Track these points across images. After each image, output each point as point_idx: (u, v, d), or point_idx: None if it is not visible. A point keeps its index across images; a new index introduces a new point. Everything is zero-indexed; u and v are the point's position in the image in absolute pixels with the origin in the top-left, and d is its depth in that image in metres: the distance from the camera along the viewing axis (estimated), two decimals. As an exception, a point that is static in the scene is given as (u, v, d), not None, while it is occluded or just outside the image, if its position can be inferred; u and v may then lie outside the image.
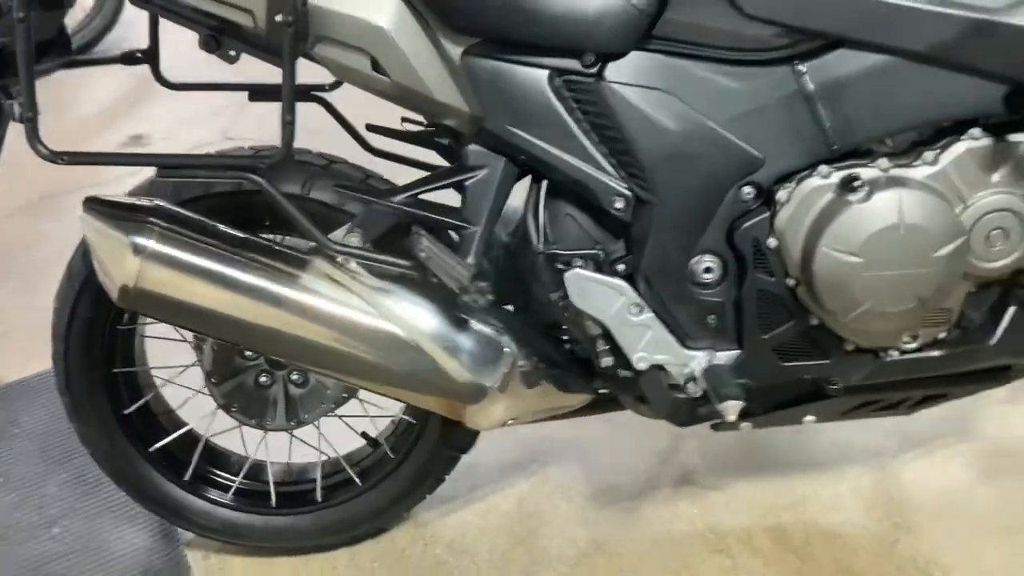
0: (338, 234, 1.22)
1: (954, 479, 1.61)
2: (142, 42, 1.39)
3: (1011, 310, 1.25)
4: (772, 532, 1.54)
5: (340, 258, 1.21)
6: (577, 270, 1.24)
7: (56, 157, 1.10)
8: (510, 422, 1.30)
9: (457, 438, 1.44)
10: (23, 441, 1.81)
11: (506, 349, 1.25)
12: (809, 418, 1.38)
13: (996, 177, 1.17)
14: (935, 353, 1.28)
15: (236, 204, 1.28)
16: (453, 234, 1.23)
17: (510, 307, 1.33)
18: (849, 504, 1.58)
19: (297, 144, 1.15)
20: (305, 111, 1.28)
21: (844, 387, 1.29)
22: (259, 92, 1.44)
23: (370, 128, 1.45)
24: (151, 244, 1.16)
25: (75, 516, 1.65)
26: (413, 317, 1.21)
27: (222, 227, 1.21)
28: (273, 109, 1.13)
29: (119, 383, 1.42)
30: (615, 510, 1.60)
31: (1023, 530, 1.51)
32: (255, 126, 2.63)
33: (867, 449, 1.69)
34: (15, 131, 1.17)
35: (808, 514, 1.57)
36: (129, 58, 1.41)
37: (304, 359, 1.25)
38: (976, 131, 1.16)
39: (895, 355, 1.28)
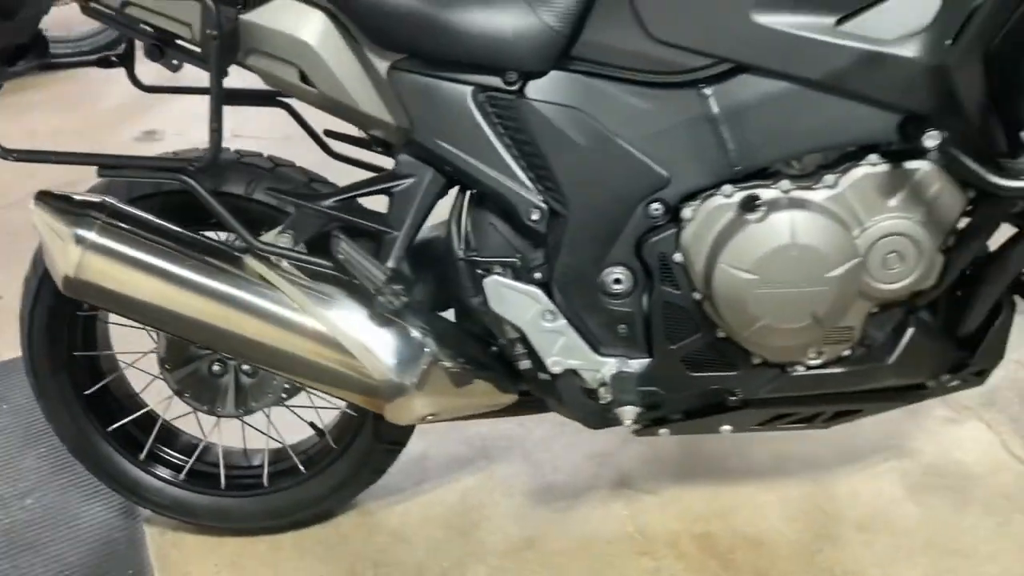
0: (271, 234, 1.30)
1: (884, 494, 1.64)
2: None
3: (910, 331, 1.29)
4: (699, 538, 1.59)
5: (274, 257, 1.29)
6: (495, 277, 1.31)
7: (7, 154, 1.20)
8: (429, 418, 1.37)
9: (389, 432, 1.52)
10: (8, 417, 1.93)
11: (426, 349, 1.32)
12: (726, 428, 1.43)
13: (893, 202, 1.21)
14: (839, 370, 1.33)
15: (185, 203, 1.37)
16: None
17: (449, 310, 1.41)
18: (777, 513, 1.63)
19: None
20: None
21: (746, 399, 1.34)
22: (229, 96, 1.53)
23: (328, 133, 1.54)
24: (92, 236, 1.25)
25: (48, 488, 1.77)
26: (335, 315, 1.28)
27: (164, 223, 1.30)
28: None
29: (80, 366, 1.52)
30: (551, 508, 1.67)
31: (945, 548, 1.54)
32: (267, 125, 2.72)
33: (804, 460, 1.72)
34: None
35: (737, 521, 1.62)
36: (104, 61, 1.51)
37: (232, 350, 1.34)
38: (874, 157, 1.20)
39: (801, 370, 1.33)
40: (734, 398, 1.34)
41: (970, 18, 1.07)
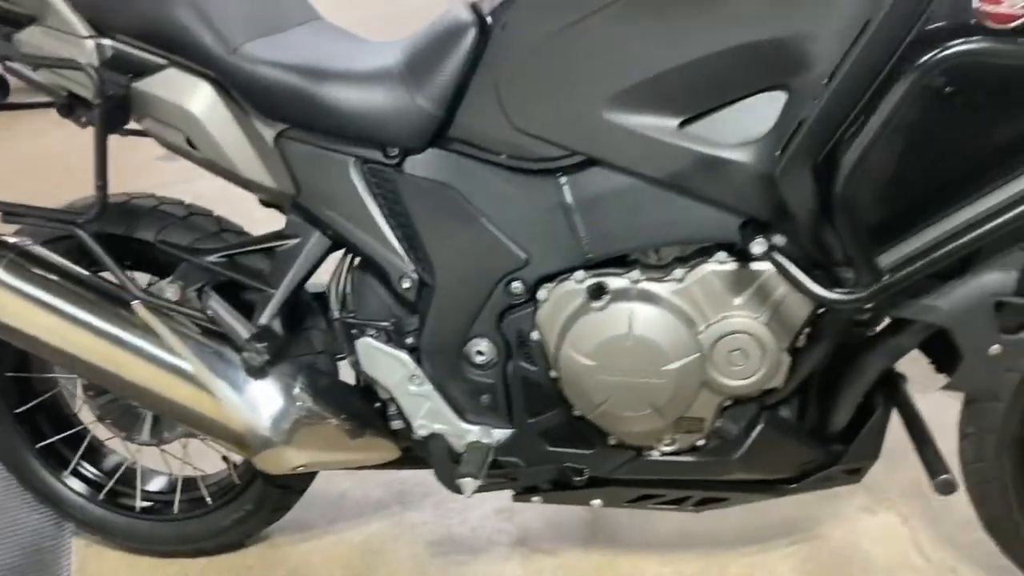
0: (163, 283, 1.40)
1: (775, 578, 1.64)
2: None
3: (759, 428, 1.30)
4: (585, 604, 1.61)
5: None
6: (367, 339, 1.37)
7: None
8: (300, 469, 1.43)
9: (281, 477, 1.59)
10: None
11: (298, 404, 1.39)
12: (596, 502, 1.46)
13: (738, 301, 1.22)
14: (691, 459, 1.34)
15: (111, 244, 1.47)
16: None
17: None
18: (667, 589, 1.64)
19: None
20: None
21: (605, 477, 1.37)
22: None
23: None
24: (-1, 272, 1.37)
25: (-5, 496, 1.90)
26: (208, 366, 1.36)
27: (69, 266, 1.41)
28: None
29: (12, 387, 1.64)
30: (448, 560, 1.71)
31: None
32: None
33: (708, 537, 1.72)
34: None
35: (625, 592, 1.63)
36: (62, 106, 1.63)
37: (115, 390, 1.43)
38: (722, 255, 1.22)
39: (655, 455, 1.35)
40: (579, 477, 1.37)
41: (797, 131, 1.09)
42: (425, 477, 1.86)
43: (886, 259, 1.11)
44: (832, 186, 1.08)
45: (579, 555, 1.70)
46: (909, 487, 1.77)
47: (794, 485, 1.38)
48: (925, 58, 0.99)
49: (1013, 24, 0.99)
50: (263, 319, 1.35)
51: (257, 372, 1.37)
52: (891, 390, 1.36)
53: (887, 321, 1.25)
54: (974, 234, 1.08)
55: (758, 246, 1.14)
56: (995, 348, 1.19)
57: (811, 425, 1.35)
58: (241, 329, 1.32)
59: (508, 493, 1.75)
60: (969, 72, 1.01)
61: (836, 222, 1.10)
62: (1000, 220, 1.07)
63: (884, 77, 1.02)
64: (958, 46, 0.99)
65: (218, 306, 1.32)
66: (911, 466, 1.45)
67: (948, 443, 1.37)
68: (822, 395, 1.33)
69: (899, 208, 1.10)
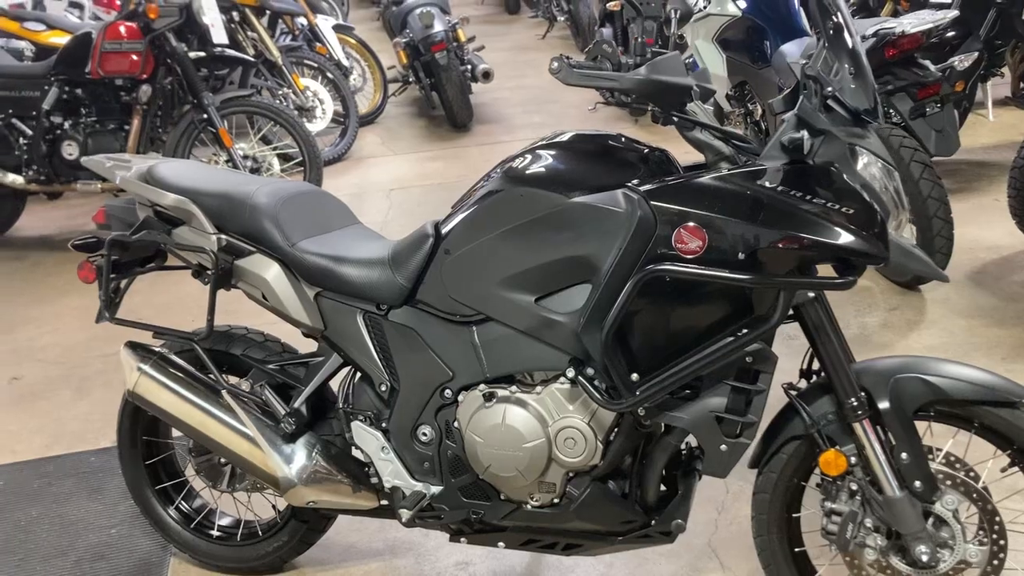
0: (241, 381, 2.28)
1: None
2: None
3: (586, 492, 2.03)
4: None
5: (238, 394, 2.26)
6: (357, 422, 2.20)
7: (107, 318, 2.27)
8: (311, 504, 2.24)
9: (305, 517, 2.41)
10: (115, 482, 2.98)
11: (314, 461, 2.21)
12: (501, 544, 2.20)
13: (572, 407, 2.00)
14: (549, 511, 2.08)
15: (214, 357, 2.37)
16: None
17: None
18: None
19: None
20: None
21: (494, 524, 2.12)
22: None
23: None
24: (146, 367, 2.28)
25: (126, 524, 2.76)
26: (262, 432, 2.22)
27: (186, 366, 2.31)
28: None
29: (145, 445, 2.53)
30: (416, 592, 2.46)
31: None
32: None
33: (600, 591, 2.41)
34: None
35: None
36: (195, 272, 2.58)
37: (208, 446, 2.30)
38: (563, 378, 2.00)
39: (528, 507, 2.10)
40: (477, 517, 2.12)
41: (588, 306, 1.89)
42: (410, 535, 2.64)
43: (639, 384, 1.88)
44: (606, 339, 1.87)
45: (506, 595, 2.43)
46: (754, 570, 2.41)
47: (621, 538, 2.10)
48: (646, 268, 1.80)
49: (693, 256, 1.79)
50: (295, 404, 2.21)
51: (289, 439, 2.22)
52: (689, 473, 2.08)
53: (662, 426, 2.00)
54: (687, 372, 1.85)
55: (570, 372, 1.94)
56: (723, 447, 1.92)
57: (634, 496, 2.08)
58: (280, 409, 2.19)
59: (470, 551, 2.50)
60: (672, 279, 1.81)
61: (606, 359, 1.88)
62: (701, 364, 1.83)
63: (629, 280, 1.83)
64: (664, 264, 1.79)
65: (268, 394, 2.20)
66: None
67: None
68: (639, 477, 2.07)
69: (645, 353, 1.88)
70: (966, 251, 3.98)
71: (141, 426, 2.51)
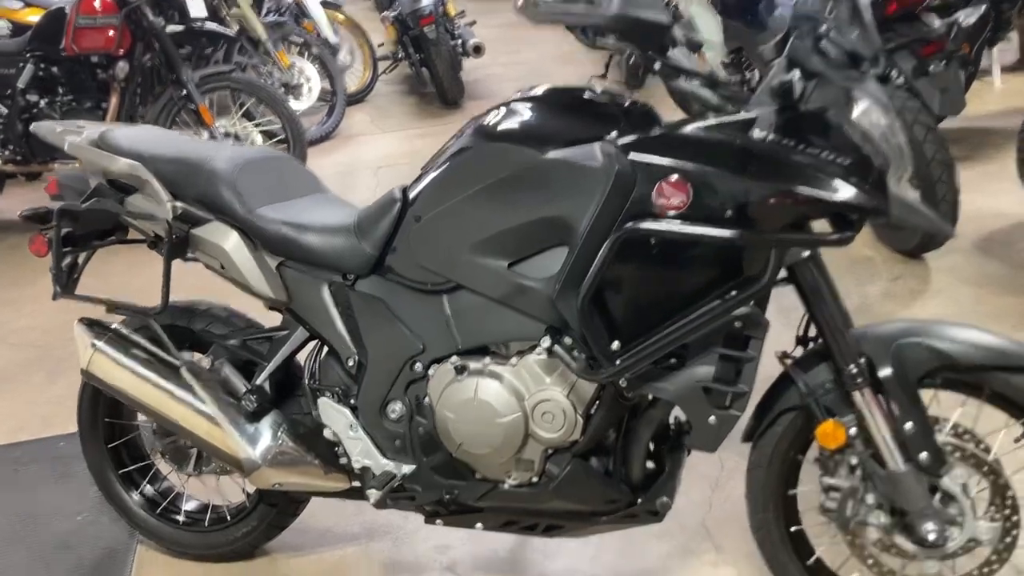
0: (200, 357, 2.15)
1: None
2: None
3: (567, 469, 1.90)
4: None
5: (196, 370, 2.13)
6: (325, 398, 2.07)
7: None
8: (277, 486, 2.11)
9: (282, 504, 2.28)
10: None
11: (279, 441, 2.08)
12: (479, 525, 2.07)
13: (549, 380, 1.86)
14: (527, 490, 1.95)
15: (171, 332, 2.24)
16: None
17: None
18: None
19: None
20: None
21: (471, 506, 1.99)
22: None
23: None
24: (101, 344, 2.15)
25: (93, 511, 2.64)
26: (224, 412, 2.08)
27: (144, 342, 2.17)
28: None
29: (107, 427, 2.41)
30: (392, 578, 2.34)
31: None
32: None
33: (589, 574, 2.28)
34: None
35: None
36: (151, 243, 2.44)
37: (167, 426, 2.16)
38: (539, 348, 1.87)
39: (506, 486, 1.97)
40: (448, 497, 1.99)
41: (564, 270, 1.75)
42: (390, 518, 2.51)
43: (620, 353, 1.74)
44: (583, 305, 1.73)
45: (489, 581, 2.30)
46: (752, 552, 2.27)
47: (605, 518, 1.96)
48: (625, 227, 1.66)
49: (676, 212, 1.65)
50: (257, 381, 2.08)
51: (253, 418, 2.08)
52: (677, 448, 1.95)
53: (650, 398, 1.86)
54: (672, 339, 1.71)
55: (545, 342, 1.80)
56: (712, 419, 1.79)
57: (619, 473, 1.94)
58: (241, 386, 2.05)
59: (450, 534, 2.37)
60: (654, 238, 1.67)
61: (583, 327, 1.74)
62: (687, 330, 1.70)
63: (607, 241, 1.69)
64: (644, 222, 1.65)
65: (227, 371, 2.06)
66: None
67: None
68: (624, 453, 1.94)
69: (625, 320, 1.74)
70: (972, 219, 3.82)
71: (103, 407, 2.38)
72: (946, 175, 3.28)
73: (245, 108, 4.99)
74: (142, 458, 2.47)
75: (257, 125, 4.93)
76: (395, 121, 6.54)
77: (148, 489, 2.45)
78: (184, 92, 4.59)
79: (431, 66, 6.31)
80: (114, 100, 4.65)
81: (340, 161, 5.71)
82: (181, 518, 2.43)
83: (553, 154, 1.74)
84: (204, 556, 2.42)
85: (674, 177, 1.64)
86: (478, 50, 6.37)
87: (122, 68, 4.60)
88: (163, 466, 2.44)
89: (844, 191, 1.62)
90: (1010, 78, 5.70)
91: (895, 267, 3.62)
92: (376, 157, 5.76)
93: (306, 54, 6.10)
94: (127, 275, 3.49)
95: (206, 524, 2.40)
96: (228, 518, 2.37)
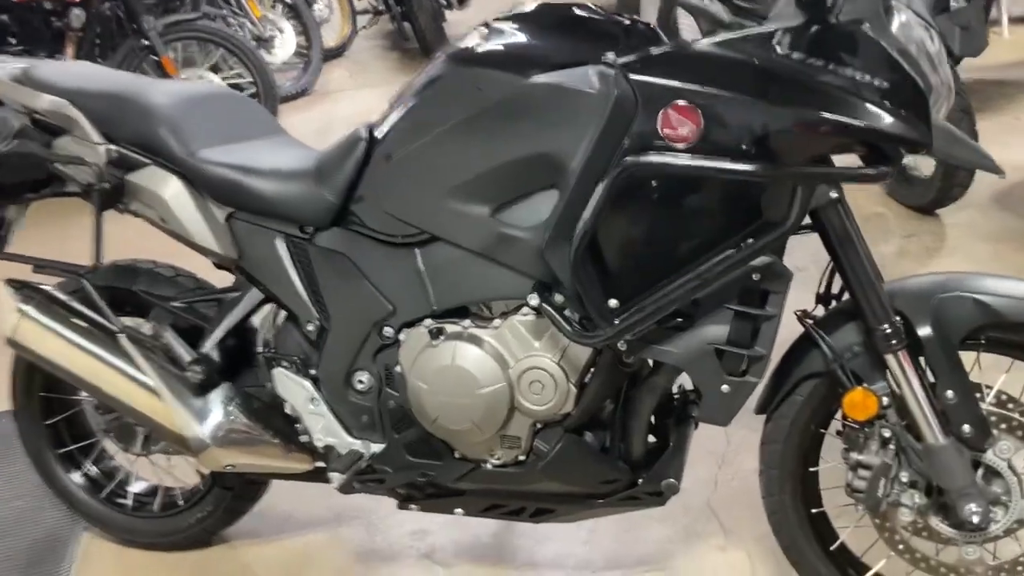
0: (141, 322, 1.89)
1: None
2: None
3: (559, 446, 1.66)
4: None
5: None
6: (281, 368, 1.81)
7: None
8: (229, 468, 1.87)
9: (239, 488, 2.03)
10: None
11: (231, 418, 1.83)
12: (458, 510, 1.83)
13: (538, 344, 1.62)
14: (512, 470, 1.71)
15: (112, 295, 1.98)
16: None
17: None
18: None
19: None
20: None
21: (451, 488, 1.75)
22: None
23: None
24: (28, 308, 1.88)
25: (33, 496, 2.39)
26: (167, 384, 1.83)
27: (79, 307, 1.91)
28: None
29: (43, 403, 2.15)
30: (364, 567, 2.09)
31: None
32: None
33: (581, 560, 2.05)
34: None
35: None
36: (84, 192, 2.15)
37: (104, 401, 1.91)
38: (526, 308, 1.62)
39: (488, 466, 1.73)
40: (422, 480, 1.75)
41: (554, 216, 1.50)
42: (361, 501, 2.26)
43: (619, 311, 1.50)
44: (576, 255, 1.48)
45: (469, 568, 2.06)
46: (763, 534, 2.05)
47: (601, 501, 1.73)
48: (624, 162, 1.40)
49: (684, 144, 1.39)
50: (203, 349, 1.82)
51: (200, 391, 1.83)
52: (683, 421, 1.71)
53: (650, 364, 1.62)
54: (679, 295, 1.46)
55: (533, 299, 1.55)
56: (725, 387, 1.55)
57: (617, 450, 1.71)
58: (185, 355, 1.80)
59: (427, 518, 2.14)
60: (658, 176, 1.42)
61: (576, 282, 1.49)
62: (696, 284, 1.45)
63: (604, 179, 1.43)
64: (648, 156, 1.40)
65: (170, 337, 1.80)
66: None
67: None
68: (623, 427, 1.70)
69: (625, 273, 1.49)
70: (988, 174, 3.58)
71: (39, 380, 2.13)
72: (965, 123, 3.03)
73: (213, 60, 4.69)
74: (86, 436, 2.22)
75: (225, 78, 4.63)
76: (375, 76, 6.24)
77: (92, 470, 2.20)
78: (146, 42, 4.29)
79: (413, 19, 6.00)
80: (70, 51, 4.35)
81: (316, 118, 5.41)
82: (129, 502, 2.18)
83: (540, 79, 1.48)
84: (156, 544, 2.18)
85: (682, 102, 1.39)
86: (462, 0, 6.06)
87: (77, 16, 4.30)
88: (110, 446, 2.19)
89: (882, 118, 1.37)
90: (1018, 29, 5.46)
91: (908, 224, 3.38)
92: (354, 114, 5.46)
93: (280, 6, 5.78)
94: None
95: (156, 509, 2.16)
96: (181, 503, 2.13)
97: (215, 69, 4.73)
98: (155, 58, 4.32)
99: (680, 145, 1.40)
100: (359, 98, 5.79)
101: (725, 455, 2.31)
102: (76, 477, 2.19)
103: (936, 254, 3.17)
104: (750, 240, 1.46)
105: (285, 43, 5.64)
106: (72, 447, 2.19)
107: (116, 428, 2.09)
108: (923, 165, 3.28)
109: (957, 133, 1.55)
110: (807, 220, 1.52)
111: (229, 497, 2.07)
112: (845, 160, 1.49)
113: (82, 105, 1.81)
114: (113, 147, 1.81)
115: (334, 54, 6.48)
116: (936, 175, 3.20)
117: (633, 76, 1.41)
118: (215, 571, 2.12)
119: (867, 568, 1.78)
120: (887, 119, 1.37)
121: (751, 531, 2.07)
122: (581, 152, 1.46)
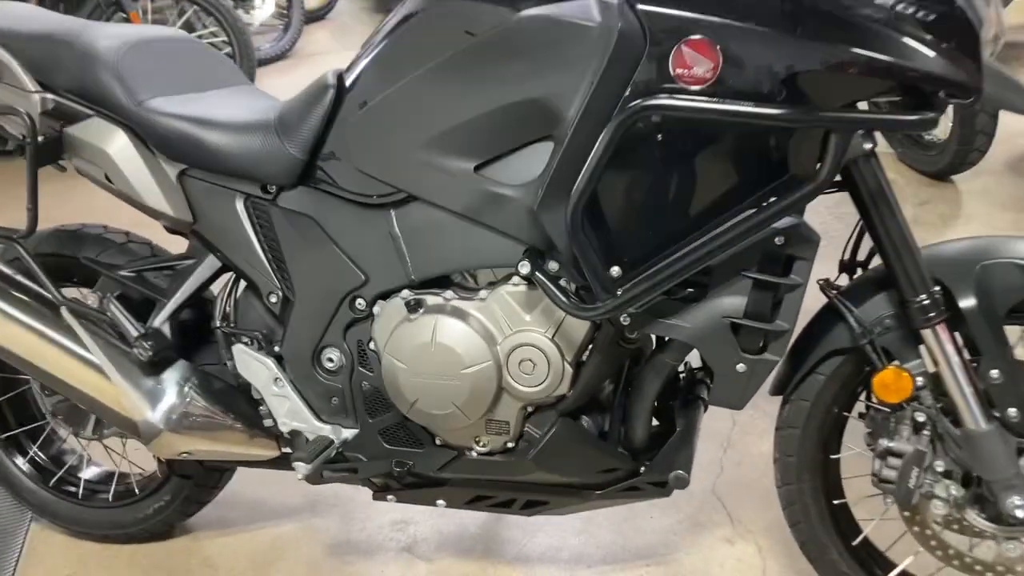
0: (86, 293, 1.69)
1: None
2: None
3: (552, 431, 1.48)
4: (449, 604, 1.79)
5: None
6: (241, 345, 1.62)
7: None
8: (185, 455, 1.68)
9: (199, 476, 1.85)
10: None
11: (187, 400, 1.64)
12: (440, 502, 1.65)
13: (528, 318, 1.43)
14: (500, 459, 1.53)
15: (56, 264, 1.77)
16: None
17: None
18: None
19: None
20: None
21: (432, 478, 1.57)
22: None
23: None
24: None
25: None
26: (114, 362, 1.63)
27: (15, 277, 1.71)
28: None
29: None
30: (339, 561, 1.91)
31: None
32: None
33: (574, 554, 1.88)
34: None
35: (485, 597, 1.80)
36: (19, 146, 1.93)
37: (43, 381, 1.71)
38: (516, 279, 1.43)
39: (473, 455, 1.54)
40: (399, 471, 1.57)
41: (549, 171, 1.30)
42: (337, 489, 2.08)
43: (621, 280, 1.31)
44: (573, 216, 1.28)
45: (453, 563, 1.88)
46: (773, 523, 1.89)
47: (599, 492, 1.55)
48: (630, 107, 1.21)
49: (700, 86, 1.20)
50: (154, 323, 1.62)
51: (152, 370, 1.64)
52: (691, 404, 1.53)
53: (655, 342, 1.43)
54: (691, 261, 1.27)
55: (524, 267, 1.36)
56: (741, 366, 1.36)
57: (617, 436, 1.53)
58: (132, 330, 1.60)
59: (408, 507, 1.96)
60: (669, 123, 1.22)
61: (574, 247, 1.30)
62: (711, 249, 1.26)
63: (606, 127, 1.24)
64: (658, 99, 1.20)
65: (115, 310, 1.60)
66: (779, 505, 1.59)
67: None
68: (624, 410, 1.51)
69: (629, 237, 1.30)
70: (1005, 139, 3.40)
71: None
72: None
73: (185, 17, 4.45)
74: (32, 419, 2.02)
75: (199, 37, 4.38)
76: (359, 39, 5.92)
77: (39, 456, 2.01)
78: (113, -1, 4.05)
79: (397, -21, 5.76)
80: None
81: (295, 81, 5.12)
82: (79, 490, 1.98)
83: (532, 11, 1.28)
84: (109, 537, 1.99)
85: (698, 36, 1.19)
86: (448, -39, 5.81)
87: (40, -30, 4.04)
88: (60, 429, 2.00)
89: (927, 57, 1.17)
90: (1026, -10, 5.26)
91: (922, 191, 3.20)
92: (336, 78, 5.26)
93: (258, -36, 5.53)
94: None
95: (110, 498, 1.97)
96: (136, 492, 1.94)
97: (189, 28, 4.48)
98: (123, 15, 4.08)
99: (695, 87, 1.20)
100: (341, 60, 5.53)
101: (731, 437, 2.13)
102: (21, 463, 1.99)
103: (952, 222, 2.99)
104: (773, 199, 1.27)
105: (264, 3, 5.39)
106: (17, 430, 1.99)
107: (64, 410, 1.89)
108: (939, 128, 3.10)
109: (1009, 76, 1.36)
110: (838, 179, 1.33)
111: (188, 486, 1.88)
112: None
113: (14, 48, 1.61)
114: (49, 95, 1.60)
115: (316, 16, 6.25)
116: (952, 138, 3.01)
117: (640, 6, 1.22)
118: (175, 565, 1.93)
119: (893, 565, 1.61)
120: (933, 58, 1.17)
121: (760, 520, 1.91)
122: (580, 96, 1.26)
